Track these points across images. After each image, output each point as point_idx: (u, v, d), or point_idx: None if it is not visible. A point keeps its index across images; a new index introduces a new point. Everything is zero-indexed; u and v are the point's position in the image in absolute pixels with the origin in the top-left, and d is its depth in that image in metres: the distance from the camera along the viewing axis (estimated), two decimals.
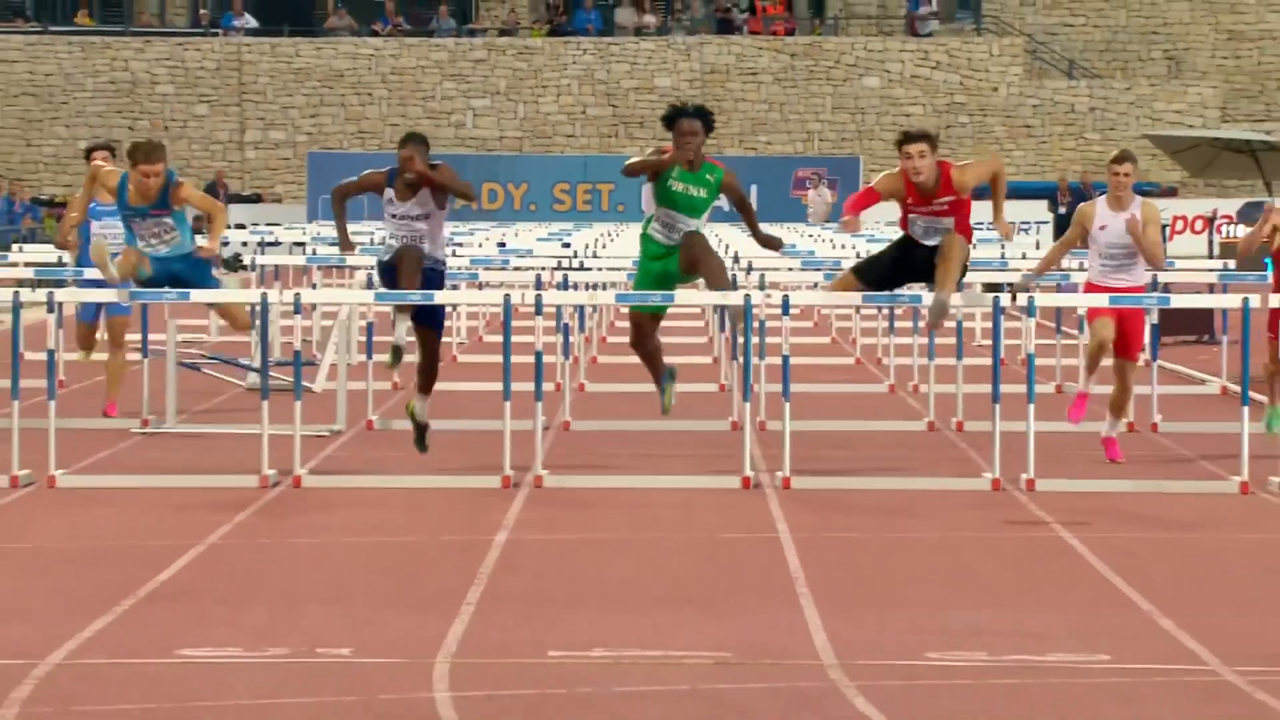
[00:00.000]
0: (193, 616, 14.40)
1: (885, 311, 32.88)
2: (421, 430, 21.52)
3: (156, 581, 15.90)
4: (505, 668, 13.09)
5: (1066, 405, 22.72)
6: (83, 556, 17.03)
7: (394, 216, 21.15)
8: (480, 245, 40.49)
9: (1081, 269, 25.46)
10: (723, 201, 21.63)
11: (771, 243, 21.92)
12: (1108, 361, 22.44)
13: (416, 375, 21.66)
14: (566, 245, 38.61)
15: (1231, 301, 21.58)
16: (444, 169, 21.29)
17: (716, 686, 12.66)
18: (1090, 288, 22.41)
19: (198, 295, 22.50)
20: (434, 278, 21.31)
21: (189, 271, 22.44)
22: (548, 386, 24.85)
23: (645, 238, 21.21)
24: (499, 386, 21.30)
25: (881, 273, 21.30)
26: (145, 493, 20.27)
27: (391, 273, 21.30)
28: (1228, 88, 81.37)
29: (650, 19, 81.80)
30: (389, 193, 21.14)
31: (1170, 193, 69.78)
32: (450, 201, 21.44)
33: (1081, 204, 21.78)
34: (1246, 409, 21.00)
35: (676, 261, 20.93)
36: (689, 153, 20.77)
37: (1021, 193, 66.10)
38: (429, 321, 21.27)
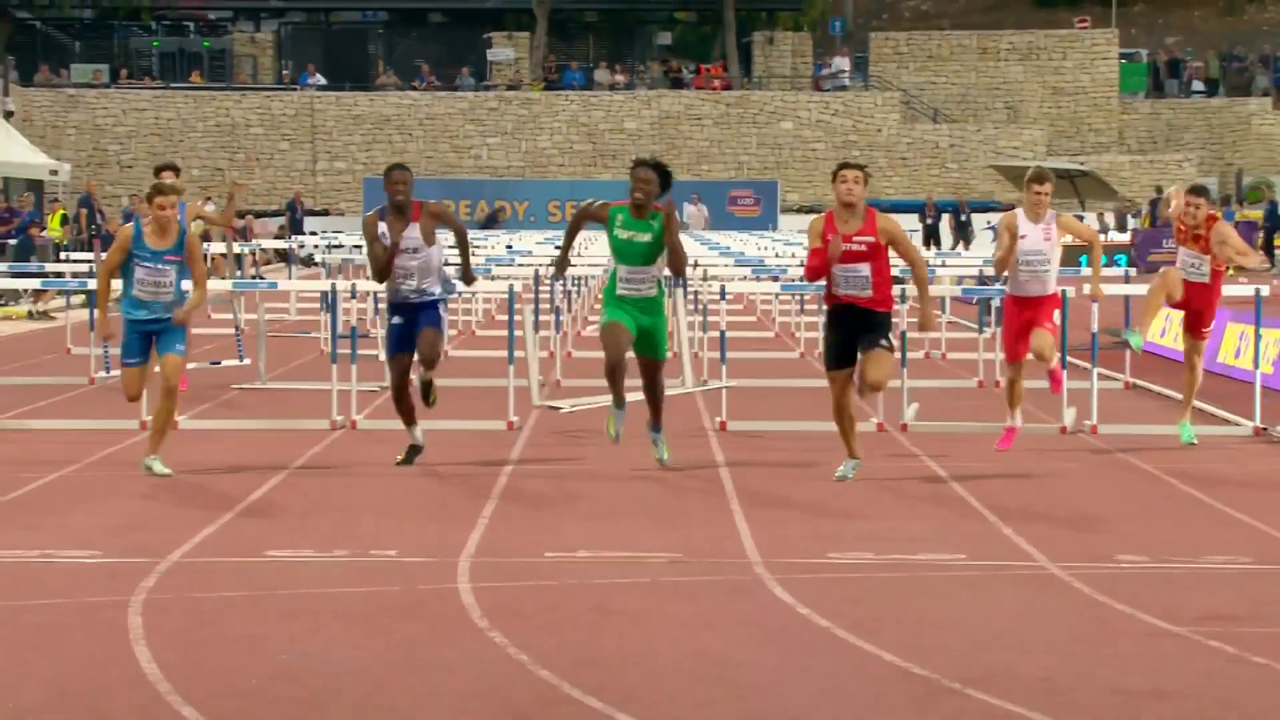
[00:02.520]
0: (276, 526, 14.37)
1: (797, 297, 32.86)
2: (415, 451, 18.03)
3: (249, 500, 15.88)
4: (512, 565, 13.06)
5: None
6: (194, 482, 16.98)
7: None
8: (492, 248, 40.71)
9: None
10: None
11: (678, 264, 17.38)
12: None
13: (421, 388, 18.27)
14: (558, 247, 38.69)
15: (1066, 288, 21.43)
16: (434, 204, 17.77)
17: (671, 579, 12.65)
18: (1011, 301, 18.46)
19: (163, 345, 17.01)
20: (435, 309, 17.72)
21: (166, 334, 17.15)
22: (542, 354, 24.83)
23: (614, 299, 17.20)
24: (505, 353, 21.31)
25: (841, 352, 16.68)
26: (241, 434, 20.25)
27: (401, 332, 17.71)
28: (1052, 130, 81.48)
29: (620, 78, 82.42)
30: (382, 228, 17.36)
31: (1009, 209, 69.77)
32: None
33: (1005, 214, 18.86)
34: (1064, 370, 21.01)
35: (648, 320, 17.19)
36: (636, 194, 16.99)
37: (900, 208, 66.38)
38: (431, 323, 17.72)
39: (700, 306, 29.16)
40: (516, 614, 11.47)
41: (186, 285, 17.45)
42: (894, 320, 17.00)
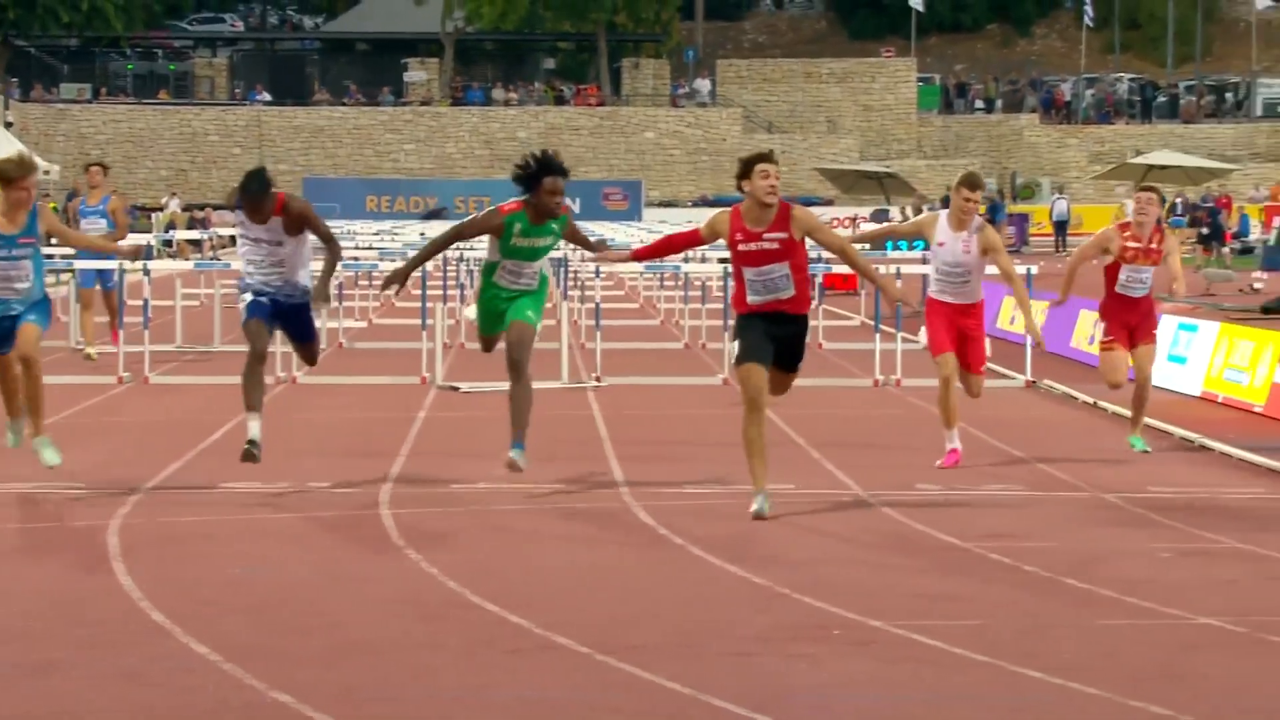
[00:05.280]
0: (230, 463, 14.21)
1: (668, 281, 32.77)
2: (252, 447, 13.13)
3: (208, 442, 15.73)
4: (423, 494, 13.00)
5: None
6: (162, 426, 16.82)
7: (247, 239, 13.41)
8: (409, 235, 40.54)
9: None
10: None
11: (600, 249, 14.14)
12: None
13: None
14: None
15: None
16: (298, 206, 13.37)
17: (554, 505, 12.61)
18: (931, 303, 14.77)
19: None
20: (303, 309, 13.57)
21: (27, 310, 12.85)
22: (450, 322, 24.68)
23: (490, 284, 13.52)
24: (418, 321, 21.21)
25: (761, 345, 12.24)
26: (199, 388, 20.07)
27: (257, 307, 13.41)
28: (863, 140, 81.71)
29: (513, 95, 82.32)
30: (240, 215, 13.43)
31: (828, 203, 69.84)
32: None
33: (928, 212, 13.67)
34: (878, 335, 21.05)
35: (516, 309, 13.38)
36: (559, 210, 13.24)
37: None
38: (306, 338, 13.87)
39: (579, 285, 29.10)
40: (428, 534, 11.42)
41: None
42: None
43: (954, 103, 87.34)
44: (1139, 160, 64.40)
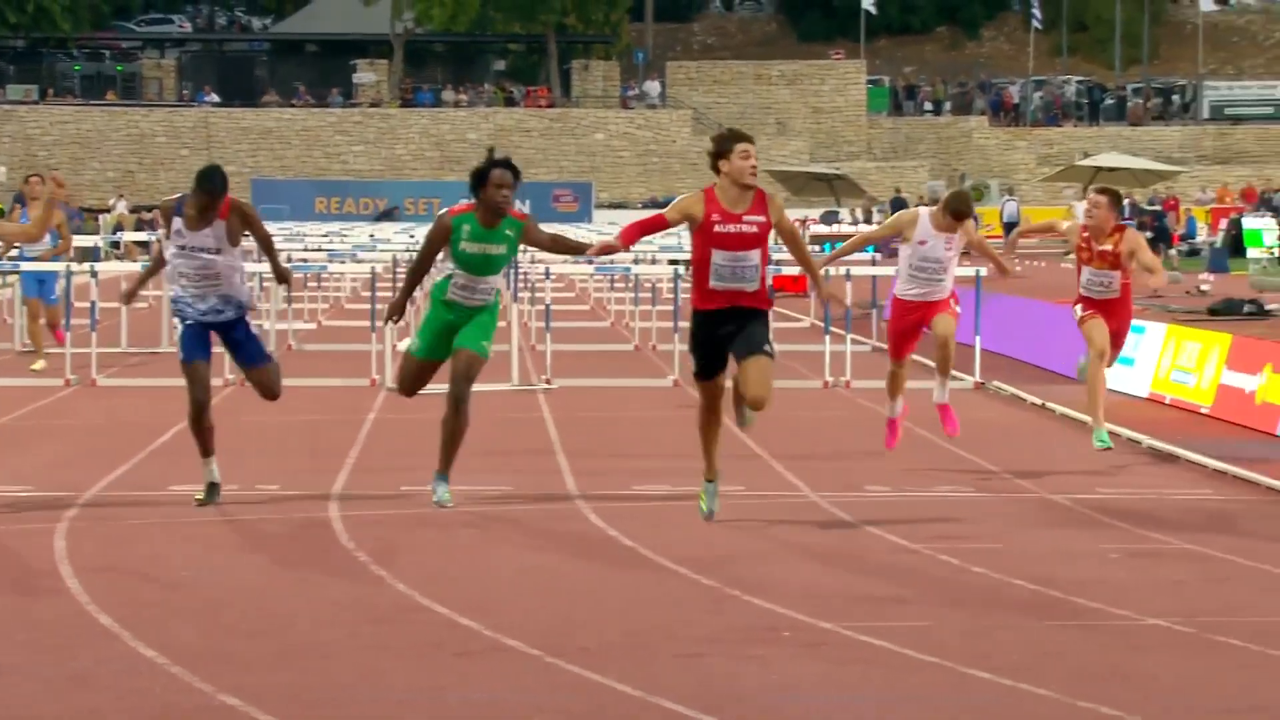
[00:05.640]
0: (177, 466, 14.16)
1: (618, 283, 32.79)
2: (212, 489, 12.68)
3: (155, 444, 15.67)
4: (373, 497, 12.97)
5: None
6: (110, 429, 16.74)
7: (182, 251, 12.51)
8: (358, 237, 40.44)
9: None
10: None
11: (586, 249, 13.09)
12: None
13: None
14: (412, 236, 38.73)
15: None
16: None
17: (504, 508, 12.60)
18: (896, 304, 14.63)
19: None
20: (241, 322, 12.79)
21: None
22: (400, 324, 24.63)
23: (440, 302, 12.59)
24: (367, 323, 21.19)
25: (714, 355, 11.53)
26: (148, 390, 20.00)
27: (193, 341, 12.65)
28: (813, 141, 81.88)
29: (463, 97, 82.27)
30: (177, 223, 12.50)
31: None
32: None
33: (904, 210, 13.65)
34: (827, 336, 21.11)
35: (466, 336, 12.61)
36: (506, 204, 12.36)
37: None
38: (259, 360, 13.01)
39: (529, 286, 29.07)
40: (377, 537, 11.39)
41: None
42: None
43: (903, 105, 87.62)
44: (1087, 162, 64.76)
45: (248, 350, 12.87)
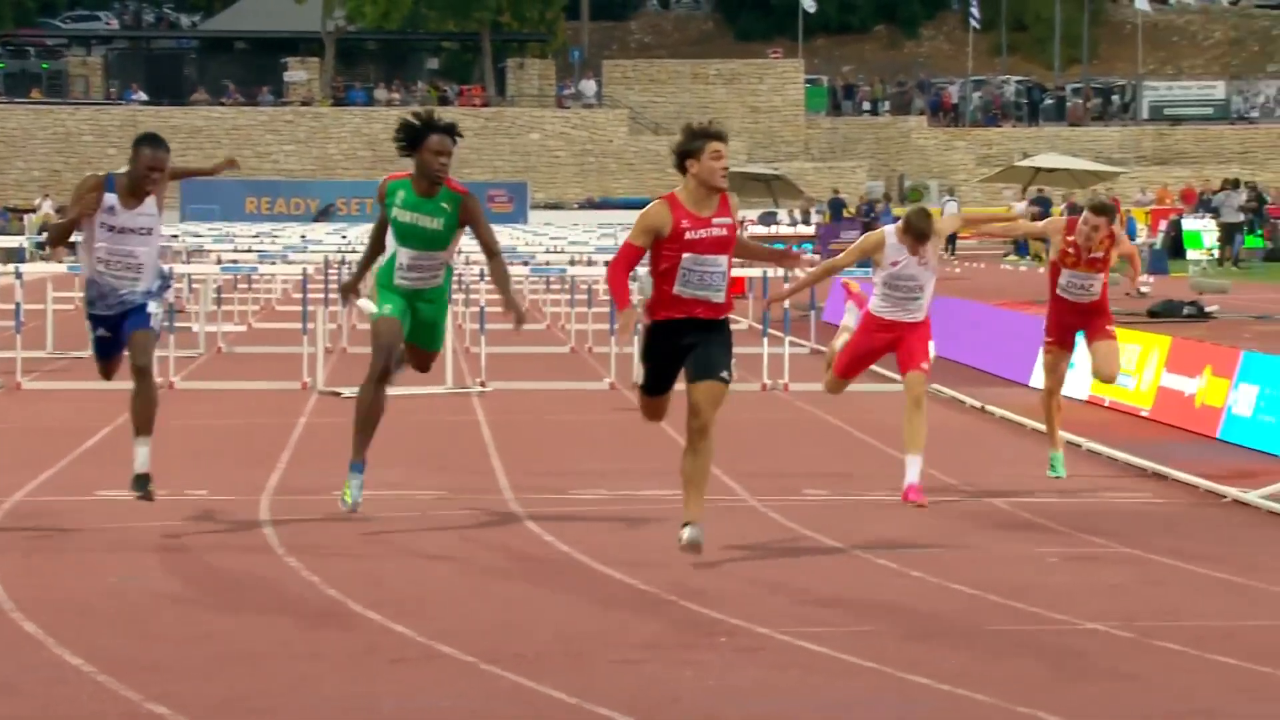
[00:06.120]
0: (104, 471, 14.09)
1: (554, 284, 32.73)
2: (143, 481, 11.99)
3: (82, 448, 15.60)
4: (305, 502, 12.93)
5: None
6: (35, 433, 16.65)
7: (110, 231, 11.77)
8: (289, 238, 40.32)
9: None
10: None
11: (514, 314, 12.00)
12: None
13: (132, 417, 12.20)
14: (344, 237, 38.71)
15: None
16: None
17: (438, 512, 12.59)
18: (869, 319, 13.60)
19: None
20: (143, 310, 12.01)
21: None
22: (332, 326, 24.60)
23: (386, 287, 12.11)
24: (299, 325, 21.12)
25: (667, 371, 10.99)
26: (75, 393, 19.89)
27: (108, 346, 12.33)
28: (751, 141, 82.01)
29: (396, 95, 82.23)
30: (110, 199, 11.73)
31: None
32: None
33: (870, 232, 13.43)
34: (765, 339, 21.16)
35: (422, 327, 12.22)
36: (444, 172, 11.80)
37: (630, 205, 66.75)
38: (142, 324, 12.06)
39: (463, 288, 29.00)
40: (309, 543, 11.36)
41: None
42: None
43: (842, 104, 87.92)
44: (1026, 163, 65.04)
45: (135, 318, 11.96)
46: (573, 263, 27.78)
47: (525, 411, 18.68)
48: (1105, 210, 14.09)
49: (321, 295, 23.69)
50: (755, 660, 8.50)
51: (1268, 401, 15.97)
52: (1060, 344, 14.37)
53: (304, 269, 22.79)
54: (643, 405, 11.32)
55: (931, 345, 13.39)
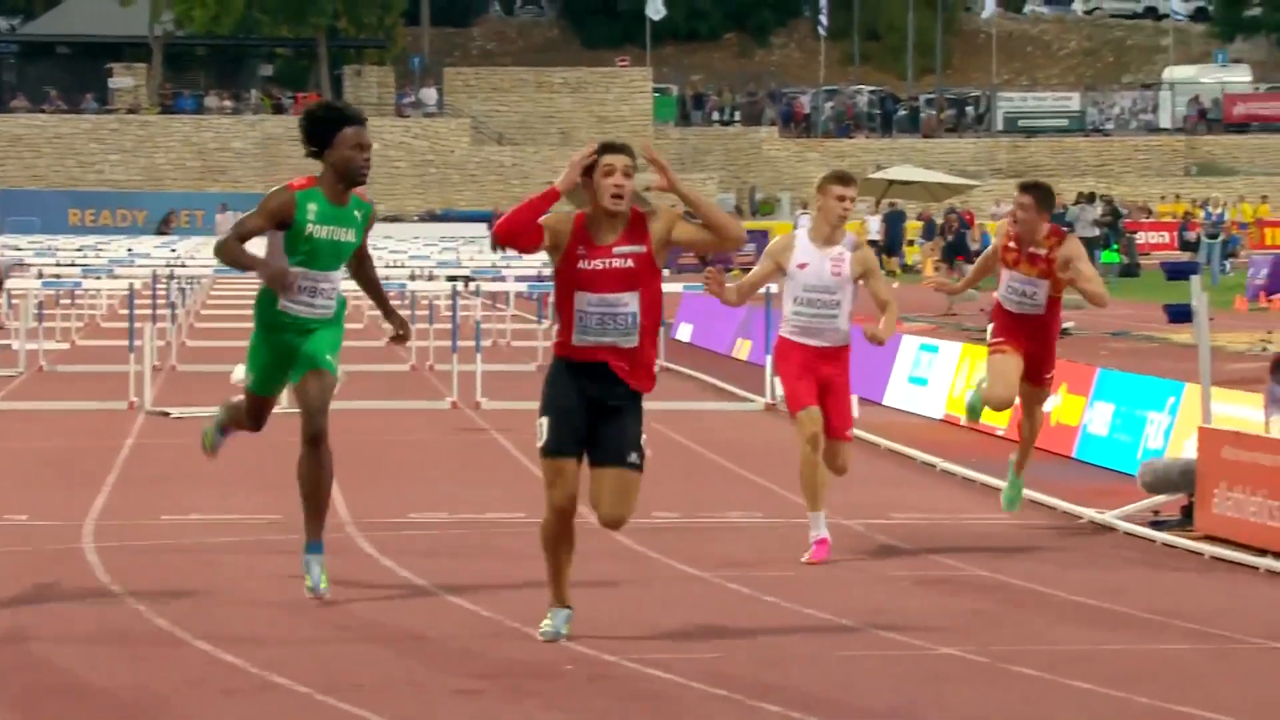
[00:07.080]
0: None
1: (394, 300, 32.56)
2: None
3: None
4: (132, 527, 12.80)
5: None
6: None
7: None
8: (115, 250, 39.93)
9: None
10: None
11: (399, 334, 11.28)
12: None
13: None
14: (174, 250, 38.40)
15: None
16: None
17: (271, 538, 12.49)
18: (784, 345, 12.10)
19: None
20: None
21: None
22: (161, 343, 24.33)
23: (270, 316, 10.49)
24: (125, 342, 20.90)
25: (575, 430, 9.43)
26: None
27: None
28: None
29: (228, 103, 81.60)
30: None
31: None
32: None
33: (778, 238, 11.82)
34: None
35: (309, 355, 10.51)
36: (366, 169, 10.42)
37: (472, 218, 66.70)
38: None
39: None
40: (136, 569, 11.23)
41: None
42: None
43: (691, 114, 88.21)
44: (879, 175, 65.62)
45: None
46: (413, 277, 27.67)
47: (364, 431, 18.58)
48: (1035, 189, 12.57)
49: (149, 310, 23.41)
50: (600, 689, 8.49)
51: (1123, 420, 16.17)
52: (1012, 342, 12.77)
53: (130, 284, 22.57)
54: (548, 479, 9.55)
55: (855, 399, 12.22)
